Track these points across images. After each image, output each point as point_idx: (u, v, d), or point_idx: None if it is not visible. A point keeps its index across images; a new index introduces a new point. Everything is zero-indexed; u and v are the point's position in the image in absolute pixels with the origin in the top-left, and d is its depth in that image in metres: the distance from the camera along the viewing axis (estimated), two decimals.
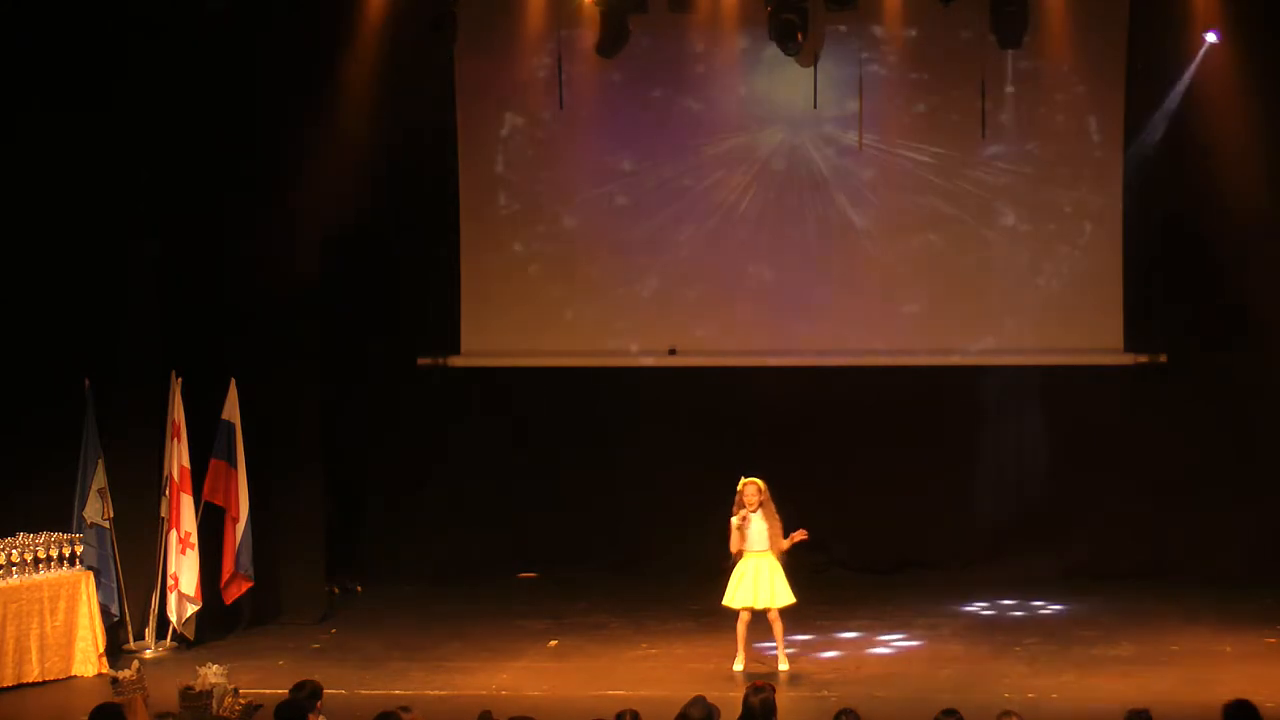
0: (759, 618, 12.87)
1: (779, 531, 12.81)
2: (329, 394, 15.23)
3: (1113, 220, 15.86)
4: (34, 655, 12.91)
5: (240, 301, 14.54)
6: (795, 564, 13.08)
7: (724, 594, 12.94)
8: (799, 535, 12.82)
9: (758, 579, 12.79)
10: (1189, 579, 15.45)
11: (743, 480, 12.84)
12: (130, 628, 13.95)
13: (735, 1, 15.60)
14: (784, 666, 12.87)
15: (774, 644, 12.98)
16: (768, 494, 12.81)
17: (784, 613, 12.87)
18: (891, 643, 13.86)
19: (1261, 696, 9.92)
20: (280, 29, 14.33)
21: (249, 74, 14.29)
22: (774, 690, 9.09)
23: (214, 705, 11.19)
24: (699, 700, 8.87)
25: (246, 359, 14.42)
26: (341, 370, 15.80)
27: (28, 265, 13.69)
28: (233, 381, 14.08)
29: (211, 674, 11.38)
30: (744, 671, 12.78)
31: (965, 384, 16.04)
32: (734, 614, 12.91)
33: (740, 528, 12.77)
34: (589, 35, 15.39)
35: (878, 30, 15.76)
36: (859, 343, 16.15)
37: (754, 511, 12.76)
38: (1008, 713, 8.59)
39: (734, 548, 12.85)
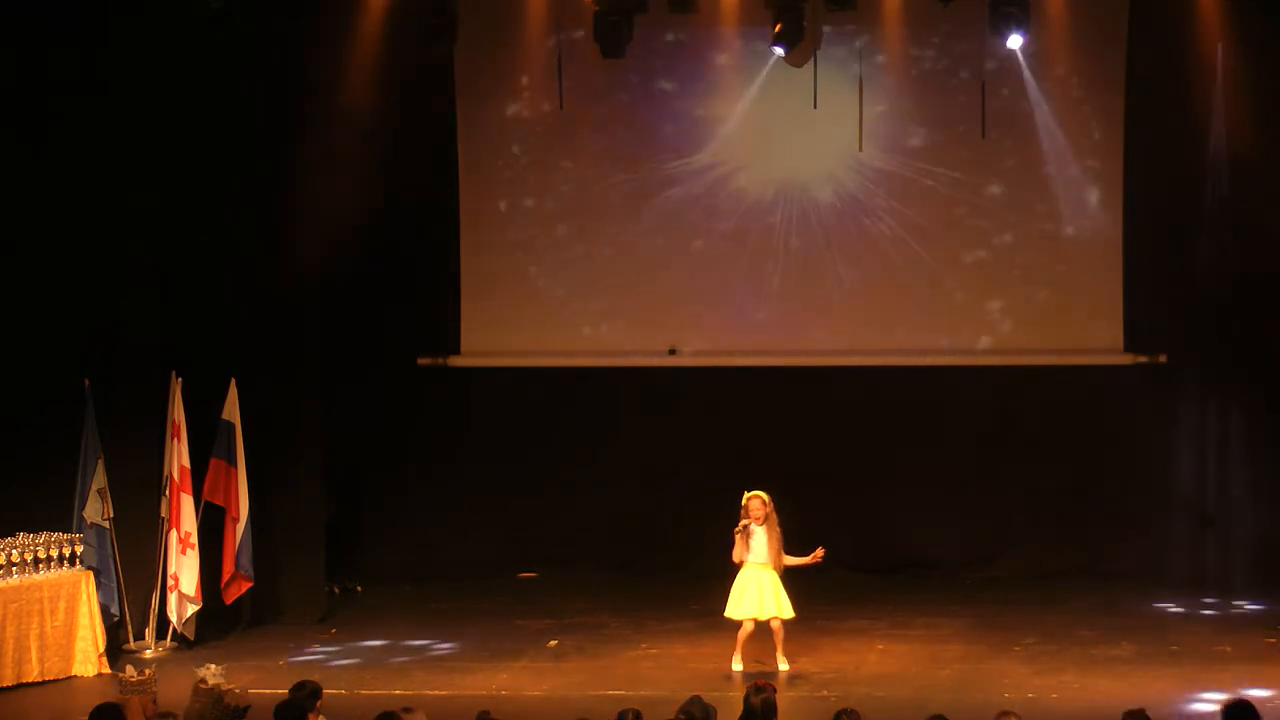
0: (759, 626, 12.89)
1: (780, 547, 12.83)
2: (329, 394, 15.23)
3: (1113, 220, 15.86)
4: (34, 655, 12.91)
5: (240, 301, 14.54)
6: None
7: (725, 603, 12.95)
8: (818, 555, 12.89)
9: (761, 590, 12.80)
10: (1188, 579, 15.45)
11: (747, 494, 12.85)
12: (130, 628, 13.94)
13: (735, 1, 15.61)
14: (784, 667, 12.87)
15: (772, 649, 12.99)
16: (772, 507, 12.83)
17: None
18: (891, 643, 13.86)
19: (1262, 697, 9.94)
20: (281, 29, 14.33)
21: (250, 73, 14.29)
22: (775, 690, 9.09)
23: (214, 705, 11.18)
24: (696, 700, 8.88)
25: (246, 359, 14.42)
26: (341, 370, 15.79)
27: (28, 265, 13.69)
28: (233, 381, 14.08)
29: (211, 674, 11.35)
30: (742, 672, 12.79)
31: (965, 384, 16.03)
32: (734, 621, 12.95)
33: (743, 537, 12.78)
34: (589, 35, 15.39)
35: (877, 30, 15.76)
36: (859, 342, 16.15)
37: (759, 524, 12.77)
38: (1007, 713, 8.59)
39: (737, 557, 12.86)
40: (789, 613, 12.88)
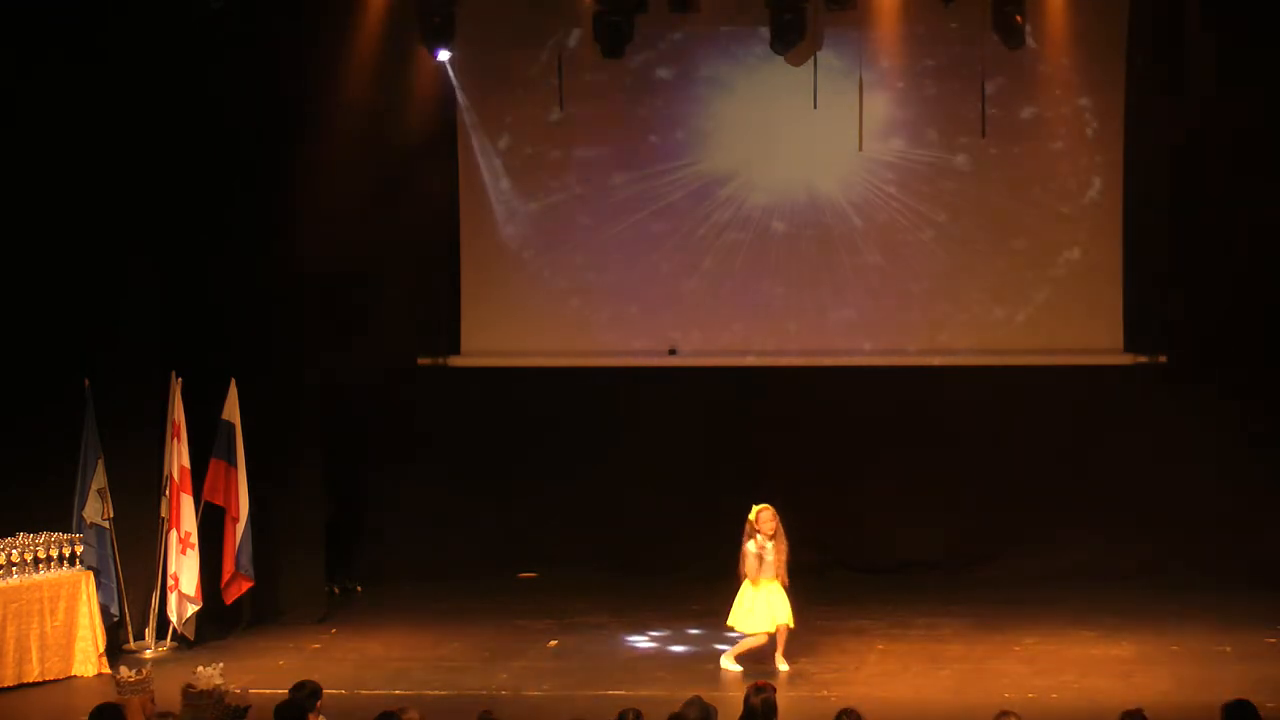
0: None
1: (785, 560, 12.84)
2: (329, 394, 15.23)
3: (1113, 220, 15.86)
4: (34, 655, 12.92)
5: (241, 302, 14.54)
6: (795, 564, 13.10)
7: (726, 602, 12.98)
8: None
9: (770, 604, 12.83)
10: (1189, 579, 15.44)
11: (756, 507, 12.85)
12: (130, 628, 13.94)
13: (735, 1, 15.61)
14: (783, 668, 12.88)
15: (773, 649, 13.00)
16: (778, 520, 12.84)
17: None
18: (891, 643, 13.86)
19: (1262, 696, 9.93)
20: (281, 29, 14.33)
21: (250, 74, 14.29)
22: (775, 690, 9.10)
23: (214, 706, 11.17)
24: (695, 700, 8.89)
25: (246, 359, 14.42)
26: (341, 370, 15.78)
27: (28, 265, 13.69)
28: (233, 381, 14.08)
29: (208, 675, 11.31)
30: (741, 672, 12.80)
31: (965, 384, 16.02)
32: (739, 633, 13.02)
33: (760, 555, 12.77)
34: (589, 35, 15.42)
35: (877, 30, 15.74)
36: (859, 343, 16.16)
37: (769, 539, 12.77)
38: (1007, 712, 8.59)
39: (754, 576, 12.82)
40: (792, 622, 12.91)
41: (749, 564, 12.79)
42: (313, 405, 14.95)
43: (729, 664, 12.95)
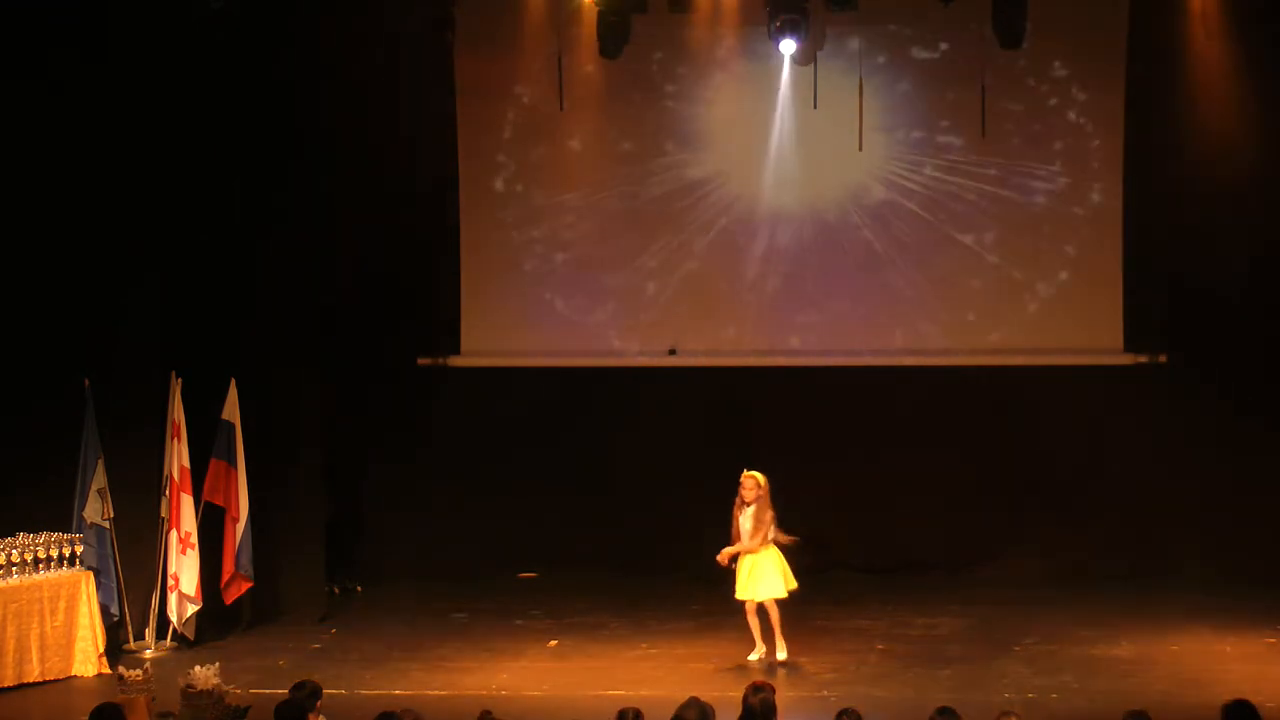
0: (762, 606, 12.99)
1: (763, 527, 12.83)
2: (329, 394, 15.23)
3: (1113, 220, 15.87)
4: (34, 655, 12.92)
5: (240, 301, 14.54)
6: (797, 565, 13.12)
7: (724, 603, 13.09)
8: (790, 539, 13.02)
9: (755, 572, 12.90)
10: (1189, 579, 15.44)
11: (744, 472, 12.89)
12: (130, 628, 13.95)
13: (735, 2, 15.62)
14: (781, 655, 12.93)
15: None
16: (766, 488, 12.85)
17: (784, 605, 12.95)
18: (891, 643, 13.85)
19: (1262, 697, 9.94)
20: (281, 30, 14.34)
21: (250, 74, 14.30)
22: (774, 690, 9.11)
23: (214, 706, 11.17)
24: (693, 701, 8.88)
25: (246, 359, 14.42)
26: (342, 370, 15.80)
27: (28, 265, 13.70)
28: (233, 381, 14.08)
29: (204, 675, 11.31)
30: (759, 661, 12.87)
31: (965, 384, 16.03)
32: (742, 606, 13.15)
33: (739, 522, 12.87)
34: (589, 35, 15.43)
35: (878, 30, 15.76)
36: (859, 343, 16.16)
37: (749, 505, 12.81)
38: (1007, 713, 8.60)
39: (733, 540, 12.93)
40: (773, 593, 12.91)
41: (733, 531, 12.92)
42: (313, 405, 14.95)
43: (753, 654, 13.00)
